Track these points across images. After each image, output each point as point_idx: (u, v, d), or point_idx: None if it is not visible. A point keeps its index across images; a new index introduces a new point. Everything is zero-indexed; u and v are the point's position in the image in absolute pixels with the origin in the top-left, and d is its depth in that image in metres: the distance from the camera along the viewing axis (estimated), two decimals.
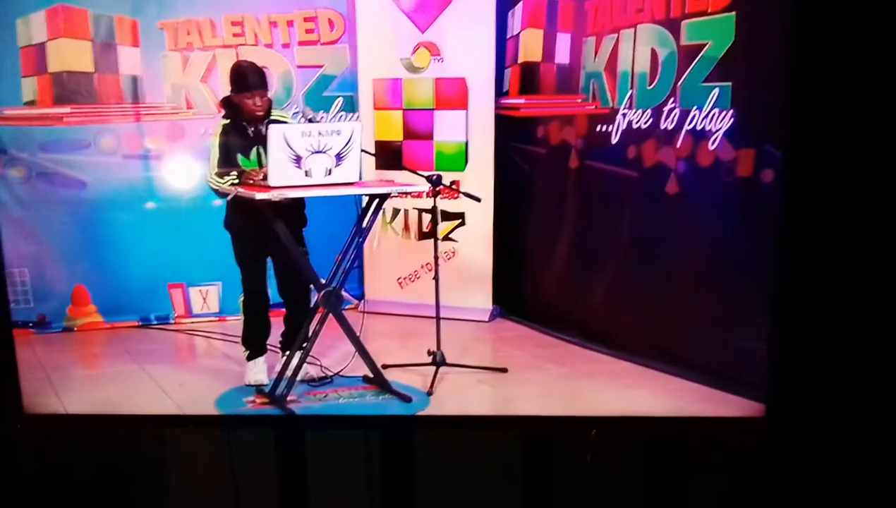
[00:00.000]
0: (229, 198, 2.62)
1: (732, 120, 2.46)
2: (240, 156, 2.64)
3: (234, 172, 2.62)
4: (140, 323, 3.31)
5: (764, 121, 2.38)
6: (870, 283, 2.43)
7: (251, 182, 2.58)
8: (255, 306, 2.77)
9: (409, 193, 2.92)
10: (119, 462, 2.96)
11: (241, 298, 2.78)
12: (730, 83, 2.46)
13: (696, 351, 2.67)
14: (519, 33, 3.14)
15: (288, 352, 2.75)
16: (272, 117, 2.68)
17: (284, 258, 2.70)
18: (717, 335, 2.59)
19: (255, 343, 2.82)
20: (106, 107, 3.11)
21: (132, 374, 2.92)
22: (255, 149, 2.60)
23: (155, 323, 3.32)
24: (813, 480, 2.59)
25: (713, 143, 2.52)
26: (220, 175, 2.60)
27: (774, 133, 2.32)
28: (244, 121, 2.65)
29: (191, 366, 3.09)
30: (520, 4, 3.13)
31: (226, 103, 2.69)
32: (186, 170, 3.08)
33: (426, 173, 2.84)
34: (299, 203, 2.67)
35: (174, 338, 3.30)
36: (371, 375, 2.75)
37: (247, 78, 2.63)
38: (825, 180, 2.37)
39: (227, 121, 2.66)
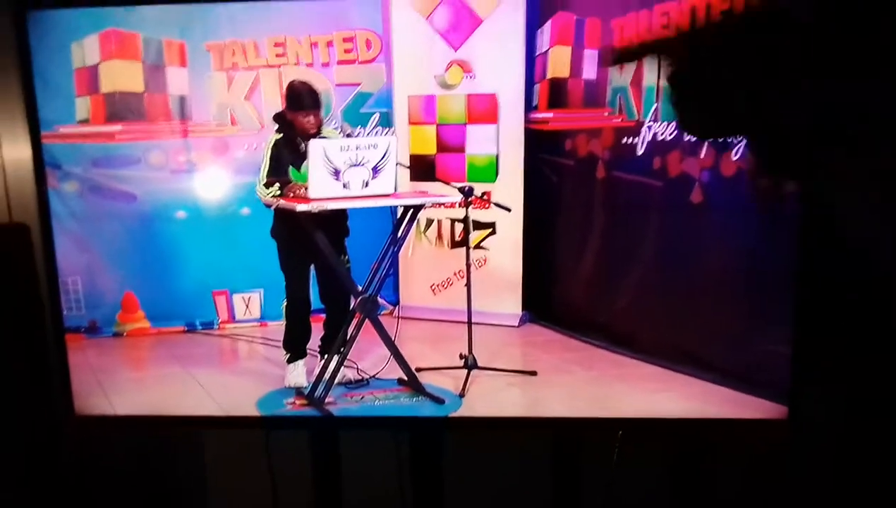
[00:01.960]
0: (273, 207, 2.75)
1: None
2: (291, 169, 2.77)
3: (277, 184, 2.75)
4: (186, 329, 3.41)
5: None
6: (892, 287, 2.48)
7: (292, 194, 2.71)
8: (298, 311, 2.89)
9: (442, 204, 3.00)
10: (163, 461, 3.07)
11: (284, 303, 2.89)
12: None
13: (720, 355, 2.71)
14: (547, 50, 3.22)
15: (326, 356, 2.86)
16: (322, 134, 2.81)
17: (325, 266, 2.82)
18: (740, 339, 2.64)
19: (295, 346, 2.93)
20: (155, 125, 3.22)
21: (178, 377, 3.02)
22: (306, 163, 2.71)
23: (200, 328, 3.42)
24: (835, 480, 2.62)
25: (736, 154, 2.59)
26: (267, 185, 2.74)
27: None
28: (297, 136, 2.78)
29: (234, 370, 3.18)
30: (548, 23, 3.20)
31: (279, 119, 2.83)
32: (230, 183, 3.19)
33: (458, 185, 2.95)
34: (342, 214, 2.78)
35: (218, 343, 3.39)
36: (405, 378, 2.84)
37: (302, 98, 2.79)
38: (847, 188, 2.42)
39: (280, 135, 2.80)
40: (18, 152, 2.83)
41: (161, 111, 3.22)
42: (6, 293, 2.79)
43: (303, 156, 2.73)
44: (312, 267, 2.89)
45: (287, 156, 2.79)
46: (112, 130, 3.18)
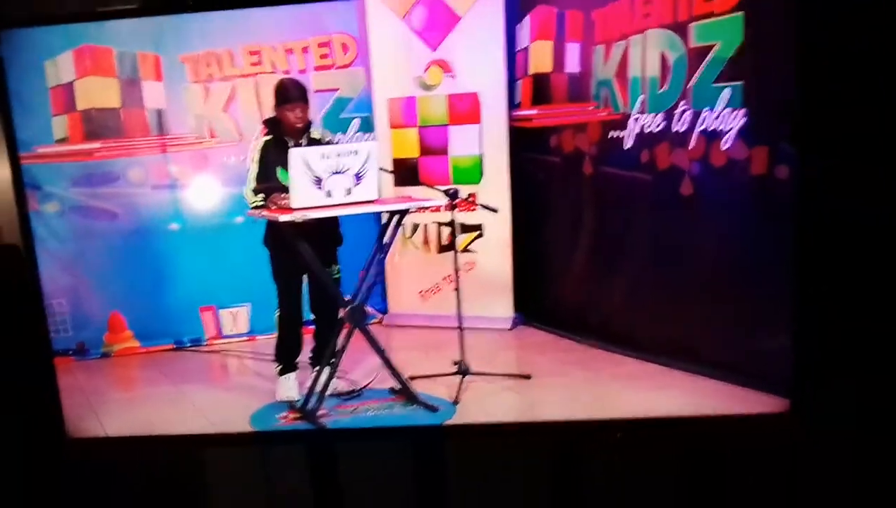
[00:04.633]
0: (259, 217, 2.71)
1: (745, 118, 2.47)
2: (279, 169, 2.72)
3: (262, 195, 2.70)
4: (174, 346, 3.37)
5: (777, 118, 2.38)
6: (890, 273, 2.42)
7: (274, 206, 2.66)
8: (291, 322, 2.85)
9: (428, 208, 2.95)
10: (158, 481, 3.03)
11: (277, 314, 2.85)
12: (741, 82, 2.46)
13: (718, 350, 2.66)
14: (528, 46, 3.16)
15: (317, 367, 2.82)
16: (312, 136, 2.77)
17: (312, 276, 2.77)
18: (738, 332, 2.59)
19: (287, 358, 2.89)
20: (133, 141, 3.18)
21: (169, 395, 2.98)
22: None
23: (188, 345, 3.38)
24: (843, 472, 2.57)
25: (726, 143, 2.53)
26: (255, 191, 2.71)
27: (788, 129, 2.32)
28: (285, 135, 2.74)
29: (224, 385, 3.15)
30: (528, 17, 3.15)
31: (268, 122, 2.80)
32: (211, 198, 3.15)
33: (443, 187, 2.88)
34: (332, 222, 2.74)
35: (207, 359, 3.36)
36: (398, 387, 2.80)
37: (287, 90, 2.75)
38: (841, 174, 2.37)
39: (269, 137, 2.77)
40: (3, 172, 2.77)
41: (139, 126, 3.18)
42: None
43: None
44: (305, 277, 2.85)
45: (275, 157, 2.74)
46: (90, 148, 3.14)
